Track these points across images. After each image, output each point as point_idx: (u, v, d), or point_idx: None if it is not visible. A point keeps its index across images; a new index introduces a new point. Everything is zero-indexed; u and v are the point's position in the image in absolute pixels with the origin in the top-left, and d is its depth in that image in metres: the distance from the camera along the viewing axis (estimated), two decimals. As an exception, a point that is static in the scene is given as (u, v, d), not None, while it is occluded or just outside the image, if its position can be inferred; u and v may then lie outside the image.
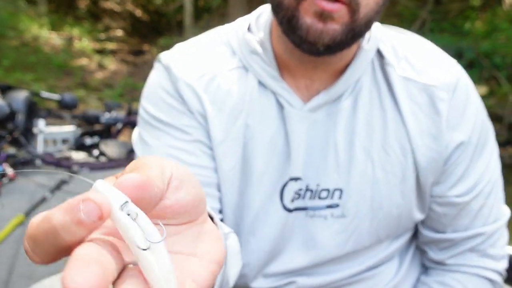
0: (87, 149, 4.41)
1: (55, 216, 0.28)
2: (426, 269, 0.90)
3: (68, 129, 4.47)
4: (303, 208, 0.77)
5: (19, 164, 3.81)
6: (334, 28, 0.64)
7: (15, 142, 3.95)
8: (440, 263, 0.85)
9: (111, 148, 4.38)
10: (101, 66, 9.34)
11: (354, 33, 0.66)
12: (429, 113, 0.76)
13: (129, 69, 9.57)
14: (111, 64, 9.56)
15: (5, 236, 2.51)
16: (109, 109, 4.76)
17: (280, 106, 0.76)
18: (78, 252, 0.27)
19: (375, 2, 0.66)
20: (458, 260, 0.83)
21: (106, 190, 0.30)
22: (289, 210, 0.77)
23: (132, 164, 0.34)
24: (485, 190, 0.79)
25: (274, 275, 0.81)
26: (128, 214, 0.29)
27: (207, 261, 0.35)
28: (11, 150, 3.92)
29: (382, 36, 0.78)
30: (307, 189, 0.77)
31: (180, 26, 10.35)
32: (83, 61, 9.22)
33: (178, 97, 0.77)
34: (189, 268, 0.34)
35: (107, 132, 4.62)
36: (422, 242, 0.87)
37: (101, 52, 9.77)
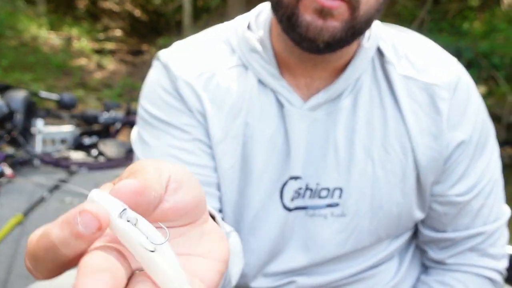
0: (86, 149, 4.40)
1: (53, 231, 0.28)
2: (426, 269, 0.89)
3: (67, 129, 4.47)
4: (303, 207, 0.77)
5: (17, 164, 3.80)
6: (334, 25, 0.64)
7: (13, 142, 3.95)
8: (440, 263, 0.85)
9: (109, 148, 4.37)
10: (100, 66, 9.34)
11: (354, 30, 0.66)
12: (430, 112, 0.75)
13: (128, 69, 9.57)
14: (110, 64, 9.55)
15: (3, 236, 2.51)
16: (107, 109, 4.75)
17: (280, 105, 0.75)
18: (87, 261, 0.27)
19: None
20: (458, 260, 0.82)
21: (102, 199, 0.29)
22: (289, 209, 0.77)
23: (129, 168, 0.33)
24: (485, 189, 0.79)
25: (274, 274, 0.81)
26: (128, 221, 0.29)
27: (213, 260, 0.35)
28: (10, 150, 3.92)
29: (382, 34, 0.78)
30: (307, 188, 0.76)
31: (179, 26, 10.36)
32: (82, 61, 9.21)
33: (177, 96, 0.76)
34: (196, 268, 0.34)
35: (106, 132, 4.62)
36: (422, 242, 0.87)
37: (100, 52, 9.77)
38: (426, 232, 0.84)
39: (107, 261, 0.27)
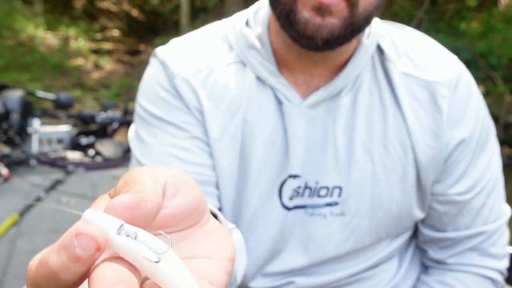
0: (83, 148, 4.40)
1: (50, 259, 0.27)
2: (426, 269, 0.88)
3: (64, 129, 4.46)
4: (302, 206, 0.76)
5: (13, 163, 3.79)
6: (332, 22, 0.63)
7: (9, 142, 3.94)
8: (440, 262, 0.84)
9: (106, 148, 4.36)
10: (97, 66, 9.33)
11: (353, 27, 0.65)
12: (430, 110, 0.75)
13: (126, 69, 9.56)
14: (107, 64, 9.54)
15: (-1, 236, 2.49)
16: (105, 108, 4.75)
17: (279, 102, 0.75)
18: (99, 273, 0.26)
19: None
20: (458, 259, 0.82)
21: (96, 218, 0.28)
22: (288, 208, 0.76)
23: (122, 180, 0.33)
24: (486, 188, 0.78)
25: (273, 274, 0.80)
26: (127, 236, 0.28)
27: (219, 260, 0.34)
28: (6, 149, 3.91)
29: (382, 32, 0.77)
30: (306, 187, 0.75)
31: (177, 26, 10.35)
32: (79, 61, 9.20)
33: (175, 93, 0.75)
34: (203, 270, 0.33)
35: (103, 132, 4.61)
36: (422, 241, 0.86)
37: (97, 52, 9.75)
38: (426, 232, 0.84)
39: (121, 273, 0.26)
